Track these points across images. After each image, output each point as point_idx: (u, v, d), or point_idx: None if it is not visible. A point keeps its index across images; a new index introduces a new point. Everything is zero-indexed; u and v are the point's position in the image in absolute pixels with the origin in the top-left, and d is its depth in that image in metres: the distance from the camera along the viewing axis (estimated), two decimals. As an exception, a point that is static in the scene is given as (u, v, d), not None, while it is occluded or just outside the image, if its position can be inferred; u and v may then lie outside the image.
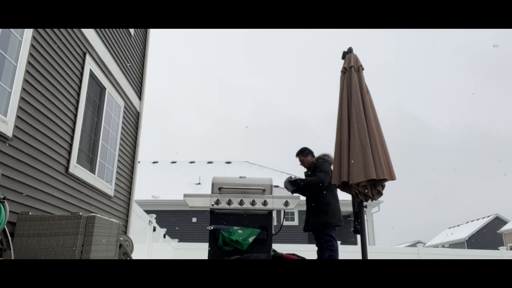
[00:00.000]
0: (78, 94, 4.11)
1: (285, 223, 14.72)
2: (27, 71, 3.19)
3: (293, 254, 3.62)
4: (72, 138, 3.96)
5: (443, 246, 34.43)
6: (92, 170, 4.50)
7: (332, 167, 3.99)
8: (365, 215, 3.67)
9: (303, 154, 4.56)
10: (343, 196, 4.30)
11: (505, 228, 32.47)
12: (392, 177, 3.41)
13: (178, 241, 11.48)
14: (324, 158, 4.45)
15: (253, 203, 3.80)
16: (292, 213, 15.66)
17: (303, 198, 4.29)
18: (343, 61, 3.87)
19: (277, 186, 4.18)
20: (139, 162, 6.28)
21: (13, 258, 2.69)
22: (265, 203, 3.81)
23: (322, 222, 4.20)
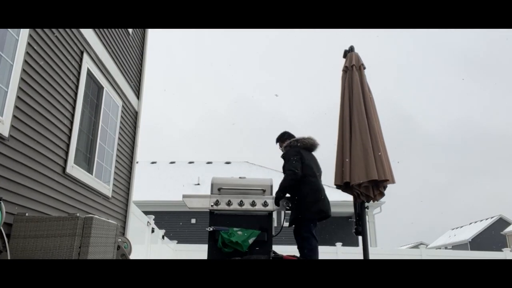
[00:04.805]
0: (76, 93, 4.06)
1: (286, 224, 14.64)
2: (23, 70, 3.15)
3: (294, 256, 3.57)
4: (69, 138, 3.91)
5: (446, 248, 34.41)
6: (89, 170, 4.45)
7: (296, 155, 3.65)
8: (366, 216, 3.62)
9: (282, 140, 4.04)
10: (344, 197, 4.23)
11: (509, 229, 32.44)
12: (392, 180, 3.37)
13: (177, 243, 11.43)
14: (291, 144, 3.89)
15: (253, 204, 3.75)
16: (293, 214, 15.57)
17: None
18: (344, 60, 3.83)
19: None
20: (137, 162, 6.24)
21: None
22: (265, 204, 3.76)
23: (298, 218, 3.75)
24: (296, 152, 3.78)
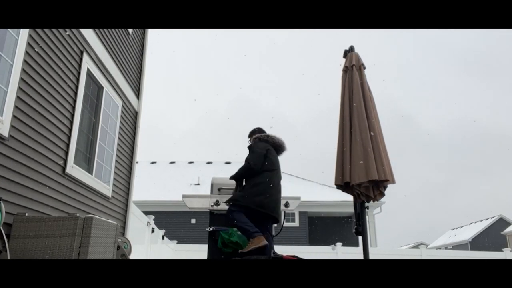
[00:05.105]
0: (75, 93, 4.06)
1: (286, 224, 14.61)
2: (23, 70, 3.15)
3: (294, 256, 3.56)
4: (69, 138, 3.91)
5: (446, 248, 34.36)
6: (89, 170, 4.45)
7: (263, 148, 3.57)
8: (366, 216, 3.62)
9: (252, 135, 3.95)
10: (344, 197, 4.23)
11: (509, 229, 32.41)
12: (392, 180, 3.37)
13: (177, 243, 11.42)
14: (260, 137, 3.78)
15: (253, 204, 3.75)
16: (293, 214, 15.61)
17: (303, 199, 4.23)
18: (344, 59, 3.83)
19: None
20: (137, 162, 6.24)
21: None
22: (265, 204, 3.75)
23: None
24: (264, 146, 3.68)
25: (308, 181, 17.50)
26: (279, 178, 3.70)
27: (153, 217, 8.31)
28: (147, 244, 7.64)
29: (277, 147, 3.80)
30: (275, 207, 3.54)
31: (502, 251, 12.18)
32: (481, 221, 36.45)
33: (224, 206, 3.79)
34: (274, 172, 3.62)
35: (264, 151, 3.63)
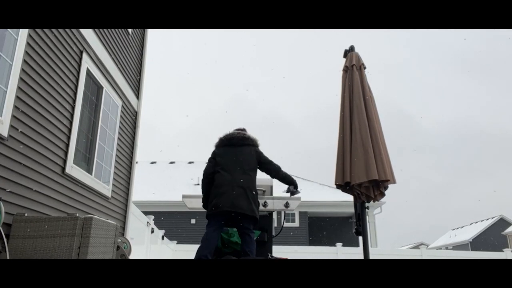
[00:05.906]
0: (75, 93, 4.06)
1: (286, 224, 14.66)
2: (23, 70, 3.14)
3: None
4: (68, 138, 3.91)
5: (446, 248, 34.32)
6: (89, 170, 4.44)
7: (216, 152, 3.53)
8: (367, 216, 3.61)
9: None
10: (344, 197, 4.22)
11: (509, 229, 32.40)
12: (393, 180, 3.36)
13: (177, 243, 11.42)
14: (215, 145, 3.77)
15: (253, 204, 3.74)
16: (293, 214, 15.61)
17: (304, 199, 4.22)
18: (344, 59, 3.83)
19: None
20: (137, 163, 6.23)
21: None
22: (265, 204, 3.75)
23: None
24: (212, 154, 3.66)
25: (308, 181, 17.50)
26: (235, 172, 3.48)
27: (152, 217, 8.31)
28: (147, 244, 7.63)
29: (227, 142, 3.62)
30: (232, 202, 3.32)
31: (502, 251, 12.18)
32: (482, 221, 36.43)
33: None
34: (223, 171, 3.48)
35: (211, 158, 3.61)
